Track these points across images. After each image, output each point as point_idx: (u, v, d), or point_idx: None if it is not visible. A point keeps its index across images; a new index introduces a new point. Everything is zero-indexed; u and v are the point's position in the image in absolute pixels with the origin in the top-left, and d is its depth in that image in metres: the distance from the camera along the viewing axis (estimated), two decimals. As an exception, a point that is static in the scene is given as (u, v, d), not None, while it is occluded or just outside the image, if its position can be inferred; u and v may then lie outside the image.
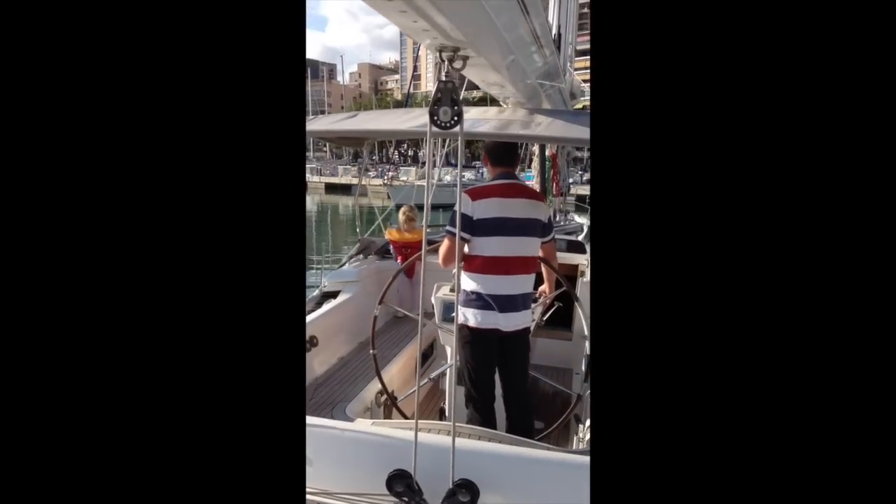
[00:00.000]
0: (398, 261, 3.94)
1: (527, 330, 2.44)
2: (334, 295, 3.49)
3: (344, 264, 3.84)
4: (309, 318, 3.11)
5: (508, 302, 2.30)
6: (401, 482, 1.54)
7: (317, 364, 3.03)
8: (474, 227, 2.27)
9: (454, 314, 2.08)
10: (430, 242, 3.11)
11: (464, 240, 2.27)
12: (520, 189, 2.39)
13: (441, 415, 3.09)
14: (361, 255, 4.00)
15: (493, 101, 3.21)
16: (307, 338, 2.88)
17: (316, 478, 1.62)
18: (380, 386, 2.67)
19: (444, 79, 1.40)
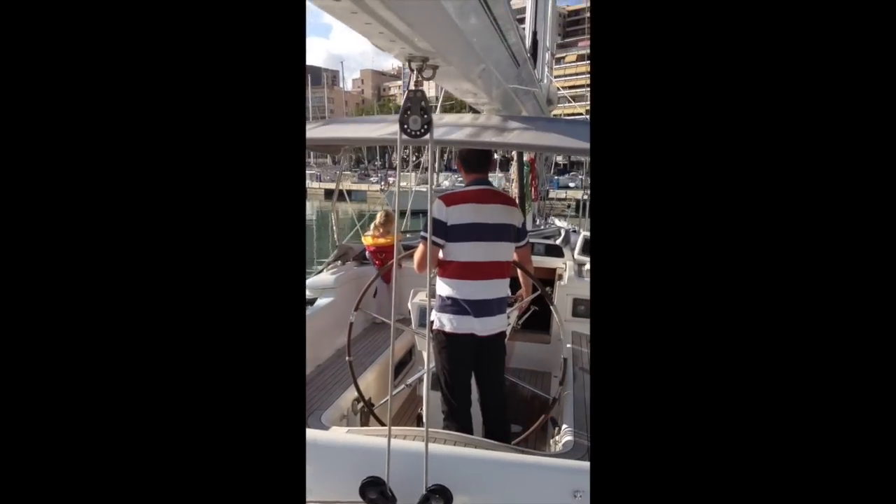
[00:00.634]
0: (376, 266, 3.94)
1: (502, 334, 2.46)
2: (311, 302, 3.47)
3: (321, 271, 3.82)
4: None
5: (483, 306, 2.32)
6: (374, 489, 1.55)
7: None
8: (448, 232, 2.28)
9: (429, 320, 2.09)
10: (406, 248, 3.12)
11: (438, 245, 2.29)
12: (493, 195, 2.41)
13: (419, 421, 3.09)
14: (339, 262, 3.99)
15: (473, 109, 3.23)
16: None
17: None
18: (356, 393, 2.67)
19: (413, 88, 1.42)
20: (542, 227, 6.56)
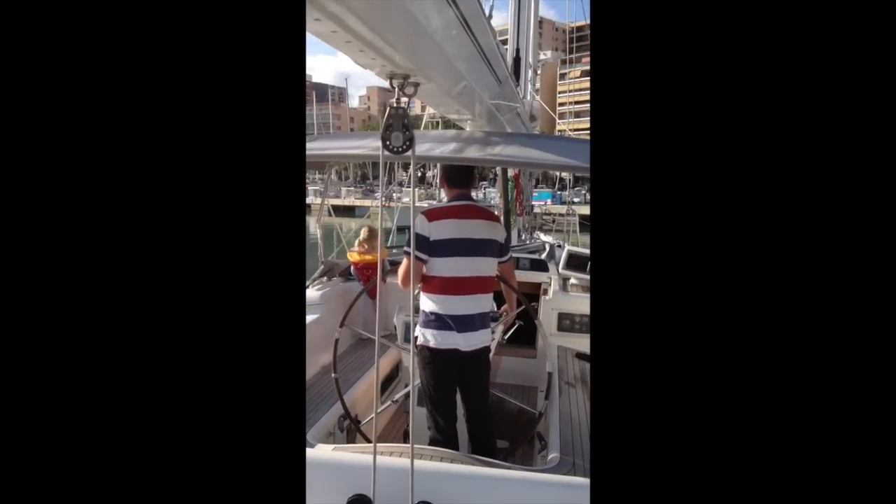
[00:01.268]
0: (361, 282, 3.93)
1: (486, 349, 2.46)
2: None
3: (307, 287, 3.80)
4: None
5: (467, 322, 2.33)
6: None
7: None
8: (431, 247, 2.29)
9: (413, 335, 2.09)
10: (392, 263, 3.12)
11: (421, 260, 2.30)
12: (476, 210, 2.43)
13: (405, 437, 3.07)
14: (325, 278, 3.98)
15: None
16: None
17: None
18: (342, 410, 2.65)
19: (395, 105, 1.44)
20: (527, 242, 6.60)
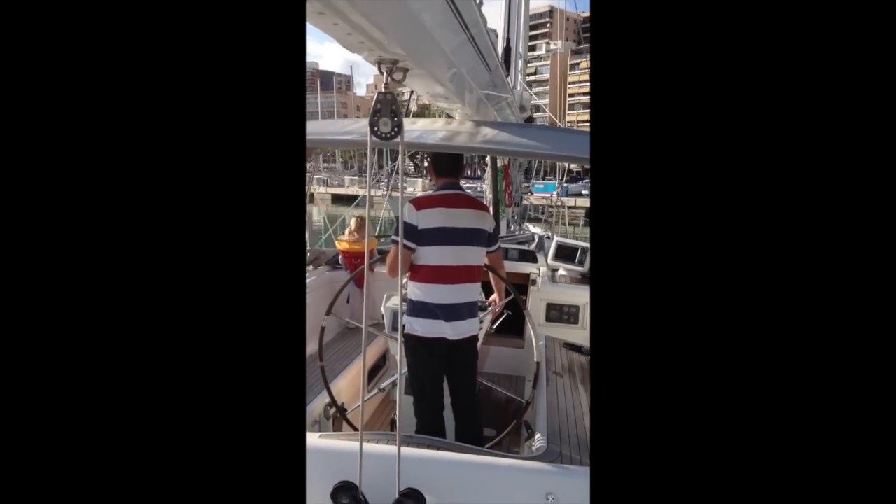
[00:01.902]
0: (348, 271, 3.91)
1: (474, 338, 2.47)
2: None
3: None
4: None
5: (454, 311, 2.33)
6: (346, 494, 1.53)
7: None
8: (420, 236, 2.29)
9: (401, 324, 2.09)
10: (381, 252, 3.11)
11: (409, 249, 2.29)
12: (464, 199, 2.42)
13: (392, 425, 3.07)
14: (311, 267, 3.96)
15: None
16: None
17: None
18: (329, 398, 2.64)
19: (383, 90, 1.42)
20: (517, 233, 6.60)
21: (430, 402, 2.41)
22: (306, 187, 4.53)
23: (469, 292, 2.40)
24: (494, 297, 2.80)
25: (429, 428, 2.37)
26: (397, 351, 2.70)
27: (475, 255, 2.42)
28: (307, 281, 3.59)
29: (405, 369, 2.44)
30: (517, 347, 3.93)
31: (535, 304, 3.87)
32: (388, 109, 1.38)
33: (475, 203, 2.51)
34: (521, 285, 3.94)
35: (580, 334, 3.73)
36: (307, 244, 4.12)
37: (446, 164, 2.43)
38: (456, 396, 2.48)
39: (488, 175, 6.43)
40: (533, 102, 6.83)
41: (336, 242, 4.19)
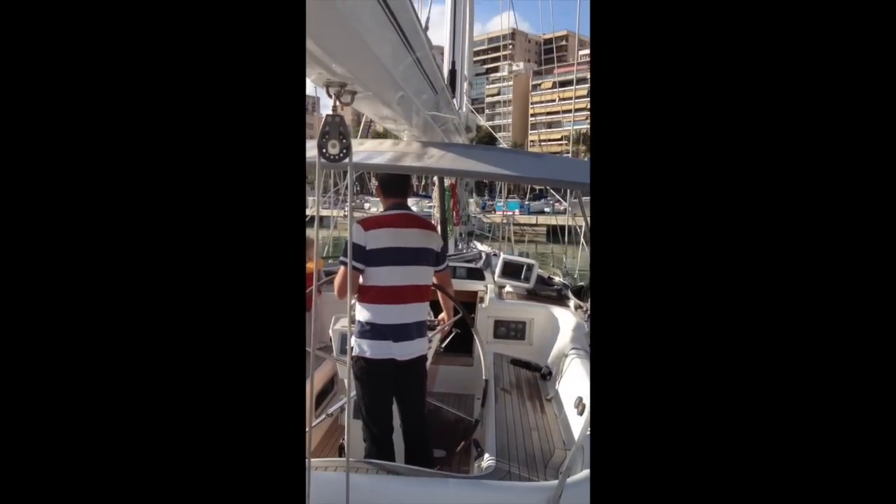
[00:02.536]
0: None
1: (423, 358, 2.47)
2: None
3: None
4: None
5: (402, 331, 2.32)
6: None
7: None
8: (367, 257, 2.28)
9: (349, 346, 2.07)
10: (328, 273, 3.07)
11: (357, 270, 2.28)
12: (412, 219, 2.44)
13: (341, 451, 3.01)
14: None
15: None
16: None
17: None
18: None
19: (331, 113, 1.42)
20: (464, 251, 6.67)
21: (378, 424, 2.38)
22: None
23: (417, 312, 2.41)
24: (443, 315, 2.81)
25: (378, 451, 2.34)
26: (345, 374, 2.67)
27: (423, 275, 2.43)
28: None
29: (353, 393, 2.40)
30: (466, 366, 3.95)
31: (483, 322, 3.90)
32: (336, 132, 1.39)
33: (423, 223, 2.53)
34: (468, 303, 3.98)
35: (527, 350, 3.79)
36: None
37: (394, 185, 2.44)
38: (405, 418, 2.46)
39: (435, 193, 6.48)
40: (494, 123, 6.97)
41: None
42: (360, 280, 2.32)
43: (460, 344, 3.55)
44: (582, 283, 5.08)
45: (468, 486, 1.81)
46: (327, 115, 1.41)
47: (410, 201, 2.67)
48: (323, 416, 2.92)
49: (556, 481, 1.72)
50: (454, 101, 4.28)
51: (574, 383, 2.91)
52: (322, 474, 1.75)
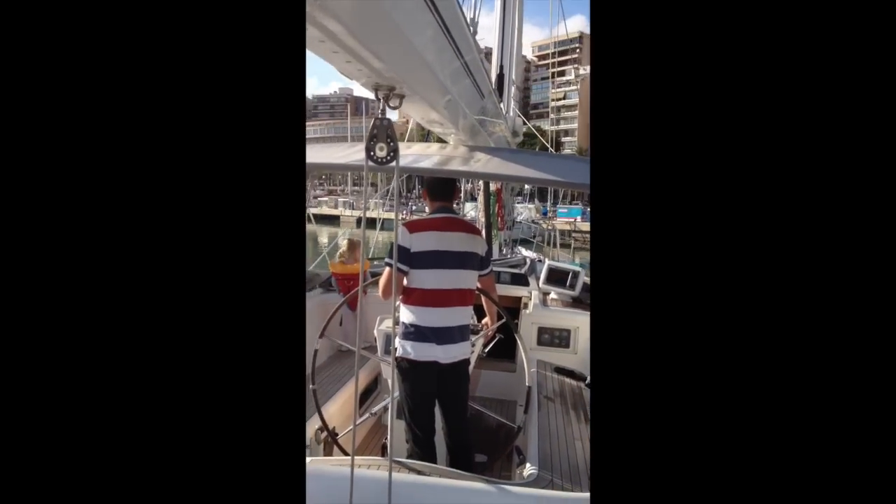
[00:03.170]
0: (341, 293, 3.90)
1: (466, 362, 2.46)
2: None
3: None
4: None
5: (446, 334, 2.33)
6: None
7: None
8: (412, 259, 2.30)
9: (392, 346, 2.09)
10: (373, 275, 3.11)
11: (402, 272, 2.30)
12: (457, 223, 2.44)
13: (383, 451, 3.04)
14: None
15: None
16: None
17: None
18: (320, 422, 2.62)
19: (379, 116, 1.44)
20: (508, 256, 6.63)
21: (421, 426, 2.39)
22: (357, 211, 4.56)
23: (461, 315, 2.41)
24: (486, 320, 2.80)
25: (420, 453, 2.35)
26: (389, 374, 2.69)
27: (467, 279, 2.43)
28: None
29: (397, 393, 2.42)
30: (508, 371, 3.92)
31: (527, 328, 3.87)
32: (384, 135, 1.41)
33: (468, 226, 2.53)
34: (512, 309, 3.95)
35: (571, 358, 3.73)
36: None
37: (440, 188, 2.46)
38: (447, 421, 2.46)
39: (480, 199, 6.47)
40: (560, 127, 6.92)
41: (329, 265, 4.19)
42: (405, 282, 2.34)
43: (503, 349, 3.52)
44: None
45: (510, 493, 1.79)
46: (375, 119, 1.43)
47: (468, 205, 2.68)
48: (367, 416, 2.95)
49: None
50: (501, 105, 4.27)
51: None
52: (365, 472, 1.77)
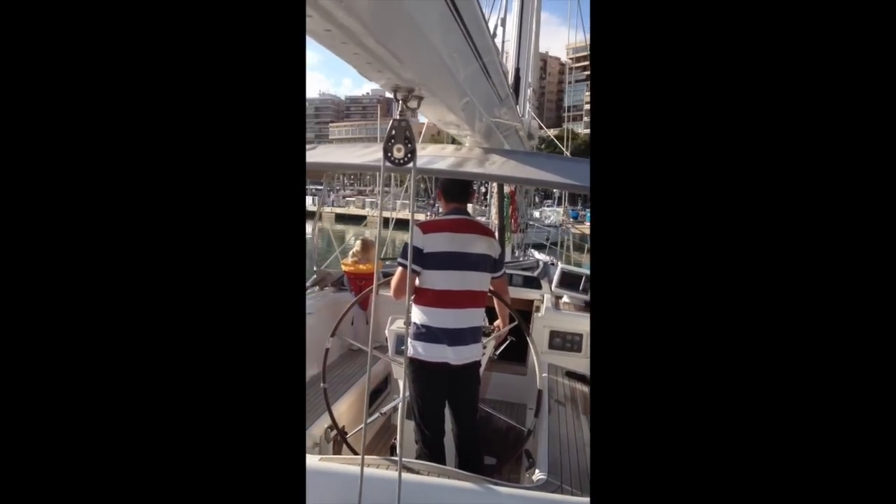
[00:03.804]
0: (353, 293, 3.92)
1: (476, 364, 2.46)
2: None
3: None
4: None
5: (457, 335, 2.33)
6: None
7: None
8: (425, 260, 2.30)
9: (405, 347, 2.09)
10: (385, 275, 3.12)
11: (415, 272, 2.30)
12: (471, 225, 2.44)
13: (392, 451, 3.04)
14: (317, 287, 3.97)
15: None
16: None
17: None
18: (330, 421, 2.63)
19: (398, 117, 1.45)
20: (521, 259, 6.62)
21: (430, 427, 2.39)
22: (320, 208, 4.56)
23: (473, 317, 2.41)
24: (498, 322, 2.80)
25: (429, 454, 2.35)
26: (400, 375, 2.70)
27: (480, 281, 2.43)
28: (312, 301, 3.60)
29: (408, 393, 2.43)
30: (519, 374, 3.91)
31: (539, 331, 3.86)
32: (402, 136, 1.41)
33: (482, 228, 2.53)
34: (524, 312, 3.94)
35: (583, 363, 3.71)
36: (315, 265, 4.13)
37: (455, 190, 2.46)
38: (457, 422, 2.46)
39: (494, 200, 6.46)
40: (542, 133, 6.91)
41: (341, 264, 4.21)
42: (417, 282, 2.35)
43: (514, 352, 3.52)
44: None
45: (520, 496, 1.78)
46: (394, 120, 1.44)
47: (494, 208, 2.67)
48: (376, 415, 2.96)
49: None
50: (517, 107, 4.27)
51: None
52: (374, 472, 1.77)
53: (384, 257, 5.23)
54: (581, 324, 3.88)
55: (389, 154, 1.41)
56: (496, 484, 1.85)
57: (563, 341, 3.88)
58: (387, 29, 1.14)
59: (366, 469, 1.53)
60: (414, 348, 2.34)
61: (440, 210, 2.61)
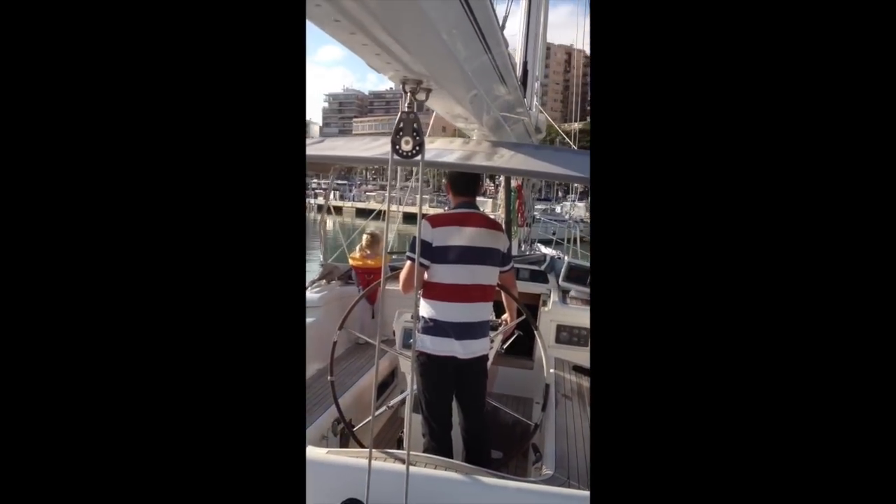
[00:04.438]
0: (360, 287, 3.92)
1: (484, 357, 2.46)
2: None
3: (306, 289, 3.79)
4: None
5: (466, 329, 2.32)
6: None
7: None
8: (433, 253, 2.29)
9: (413, 340, 2.09)
10: (392, 269, 3.12)
11: (423, 266, 2.29)
12: (479, 218, 2.44)
13: (399, 444, 3.05)
14: (324, 281, 3.97)
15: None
16: None
17: None
18: (337, 414, 2.64)
19: (406, 110, 1.44)
20: (528, 253, 6.59)
21: (438, 420, 2.40)
22: (327, 200, 4.55)
23: (481, 311, 2.40)
24: (506, 316, 2.79)
25: (436, 447, 2.35)
26: (407, 368, 2.70)
27: (488, 275, 2.42)
28: (320, 295, 3.60)
29: (415, 387, 2.43)
30: (526, 368, 3.90)
31: (546, 325, 3.85)
32: (410, 129, 1.41)
33: (490, 222, 2.52)
34: (531, 306, 3.93)
35: (590, 357, 3.70)
36: (322, 259, 4.13)
37: (463, 184, 2.45)
38: (464, 416, 2.46)
39: (501, 195, 6.44)
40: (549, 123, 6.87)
41: (349, 258, 4.21)
42: (425, 276, 2.34)
43: (521, 346, 3.51)
44: None
45: (527, 489, 1.78)
46: (402, 112, 1.43)
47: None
48: (383, 408, 2.96)
49: None
50: (525, 100, 4.24)
51: None
52: (381, 465, 1.78)
53: (391, 251, 5.23)
54: (588, 318, 3.86)
55: (397, 147, 1.41)
56: (503, 478, 1.85)
57: (569, 335, 3.87)
58: (396, 19, 1.13)
59: (373, 462, 1.53)
60: (422, 342, 2.34)
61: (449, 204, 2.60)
